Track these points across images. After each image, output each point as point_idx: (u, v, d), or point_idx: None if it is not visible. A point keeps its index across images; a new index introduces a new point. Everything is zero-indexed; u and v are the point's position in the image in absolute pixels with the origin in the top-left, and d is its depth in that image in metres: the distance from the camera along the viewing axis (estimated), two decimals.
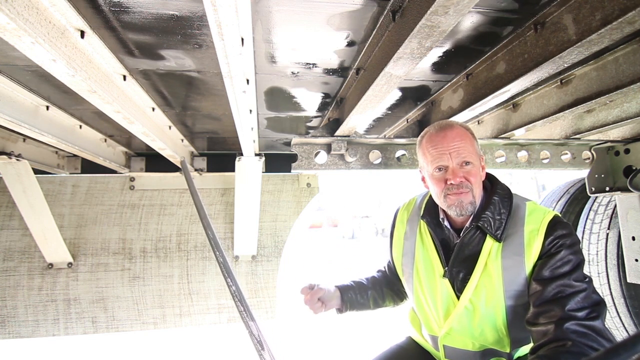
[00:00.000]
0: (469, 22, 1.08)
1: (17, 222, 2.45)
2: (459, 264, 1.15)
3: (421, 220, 1.28)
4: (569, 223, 1.11)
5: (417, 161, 1.84)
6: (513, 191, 1.22)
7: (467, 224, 1.15)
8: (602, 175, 2.13)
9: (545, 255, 1.04)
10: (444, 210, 1.22)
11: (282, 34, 1.08)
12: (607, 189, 2.13)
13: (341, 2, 0.95)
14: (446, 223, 1.22)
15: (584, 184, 2.40)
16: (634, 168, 2.01)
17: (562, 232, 1.04)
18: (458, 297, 1.15)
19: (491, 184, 1.22)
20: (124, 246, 2.56)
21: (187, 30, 1.03)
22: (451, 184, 1.12)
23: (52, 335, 2.45)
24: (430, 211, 1.27)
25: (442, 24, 0.80)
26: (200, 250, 2.63)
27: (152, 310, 2.54)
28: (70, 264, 2.48)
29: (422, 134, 1.24)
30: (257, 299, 2.64)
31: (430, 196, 1.29)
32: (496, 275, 1.08)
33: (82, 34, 0.96)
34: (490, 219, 1.12)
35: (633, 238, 2.21)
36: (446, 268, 1.18)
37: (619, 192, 2.11)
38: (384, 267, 1.58)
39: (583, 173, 2.34)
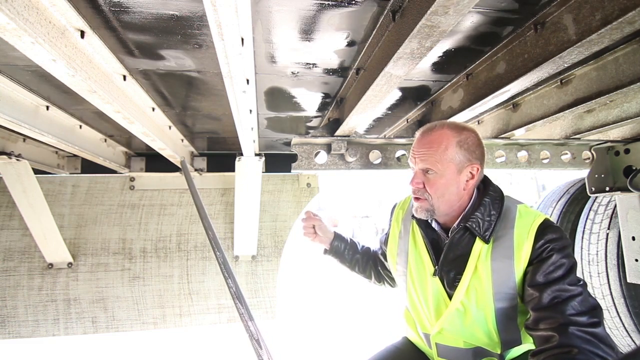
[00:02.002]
0: (469, 22, 1.08)
1: (17, 222, 2.45)
2: (448, 263, 1.16)
3: (413, 220, 1.30)
4: (560, 227, 1.11)
5: None
6: (506, 193, 1.22)
7: (455, 225, 1.16)
8: (602, 175, 2.13)
9: (536, 260, 1.03)
10: None
11: (282, 34, 1.08)
12: (607, 189, 2.12)
13: (341, 2, 0.95)
14: (434, 223, 1.22)
15: (584, 184, 2.40)
16: (634, 168, 2.01)
17: (552, 236, 1.04)
18: (449, 296, 1.16)
19: (484, 185, 1.22)
20: (124, 246, 2.56)
21: (187, 30, 1.03)
22: (411, 187, 1.16)
23: (52, 335, 2.45)
24: None
25: (442, 24, 0.80)
26: (200, 250, 2.63)
27: (152, 310, 2.54)
28: (70, 264, 2.48)
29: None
30: (257, 299, 2.64)
31: None
32: (485, 277, 1.09)
33: (82, 34, 0.96)
34: (480, 220, 1.11)
35: (633, 238, 2.21)
36: (436, 267, 1.18)
37: (619, 192, 2.11)
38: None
39: (583, 173, 2.34)
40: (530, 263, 1.04)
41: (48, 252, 2.41)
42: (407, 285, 1.29)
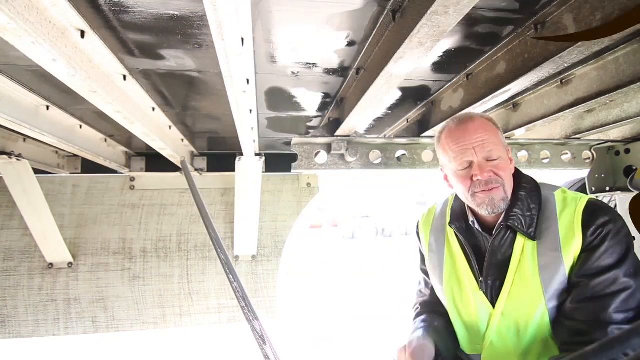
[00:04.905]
0: (469, 22, 1.08)
1: (17, 222, 2.45)
2: (493, 271, 1.05)
3: (449, 228, 1.17)
4: (609, 205, 1.00)
5: (418, 161, 1.85)
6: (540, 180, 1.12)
7: (499, 222, 1.05)
8: (603, 175, 2.13)
9: (588, 248, 0.94)
10: (472, 213, 1.11)
11: (282, 34, 1.08)
12: (607, 189, 2.13)
13: (341, 2, 0.95)
14: (477, 226, 1.10)
15: (584, 184, 2.40)
16: (634, 168, 2.01)
17: (603, 219, 0.94)
18: (494, 308, 1.05)
19: (515, 177, 1.10)
20: (124, 246, 2.56)
21: (187, 30, 1.03)
22: (478, 180, 1.01)
23: (52, 335, 2.45)
24: (458, 216, 1.15)
25: (442, 24, 0.80)
26: (201, 250, 2.63)
27: (152, 310, 2.54)
28: (70, 264, 2.48)
29: (439, 129, 1.13)
30: (257, 298, 2.64)
31: (455, 200, 1.19)
32: (532, 276, 0.99)
33: (83, 33, 0.96)
34: (520, 216, 1.02)
35: (633, 238, 2.21)
36: (481, 279, 1.07)
37: (619, 192, 2.11)
38: (424, 297, 1.33)
39: (583, 173, 2.34)
40: (582, 251, 0.95)
41: (48, 252, 2.41)
42: (447, 302, 1.17)
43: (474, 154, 1.02)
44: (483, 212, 1.04)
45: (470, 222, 1.11)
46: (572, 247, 0.96)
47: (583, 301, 0.92)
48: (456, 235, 1.15)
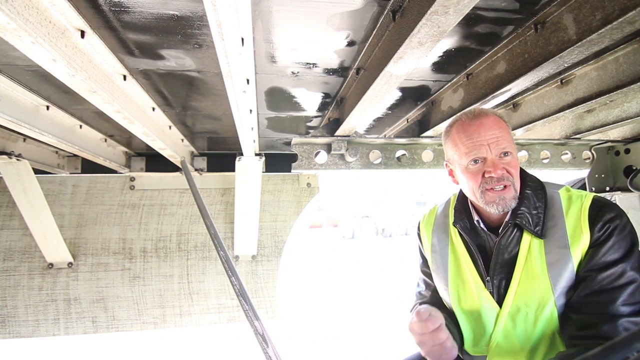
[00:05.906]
0: (469, 22, 1.08)
1: (17, 222, 2.45)
2: (499, 269, 1.06)
3: (452, 227, 1.17)
4: (614, 202, 1.01)
5: (418, 161, 1.86)
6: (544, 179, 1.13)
7: (506, 220, 1.05)
8: (603, 175, 2.13)
9: (596, 244, 0.96)
10: (477, 212, 1.12)
11: (282, 33, 1.08)
12: (608, 188, 2.13)
13: (341, 2, 0.95)
14: (482, 225, 1.10)
15: (584, 183, 2.40)
16: (634, 168, 2.01)
17: (610, 215, 0.96)
18: (501, 306, 1.05)
19: (520, 176, 1.10)
20: (124, 246, 2.57)
21: (187, 30, 1.03)
22: (491, 177, 1.01)
23: (52, 335, 2.45)
24: (462, 215, 1.15)
25: (442, 24, 0.80)
26: (201, 250, 2.64)
27: (152, 310, 2.54)
28: (70, 264, 2.48)
29: (450, 123, 1.12)
30: (257, 298, 2.64)
31: (458, 199, 1.19)
32: (541, 273, 0.99)
33: (83, 33, 0.96)
34: (527, 214, 1.03)
35: None
36: (487, 279, 1.07)
37: (619, 192, 2.11)
38: (424, 299, 1.30)
39: (583, 173, 2.34)
40: (590, 247, 0.97)
41: (48, 252, 2.41)
42: (453, 303, 1.16)
43: (489, 150, 1.02)
44: (493, 210, 1.04)
45: (475, 222, 1.11)
46: (580, 243, 0.97)
47: (590, 295, 0.93)
48: (460, 234, 1.15)
